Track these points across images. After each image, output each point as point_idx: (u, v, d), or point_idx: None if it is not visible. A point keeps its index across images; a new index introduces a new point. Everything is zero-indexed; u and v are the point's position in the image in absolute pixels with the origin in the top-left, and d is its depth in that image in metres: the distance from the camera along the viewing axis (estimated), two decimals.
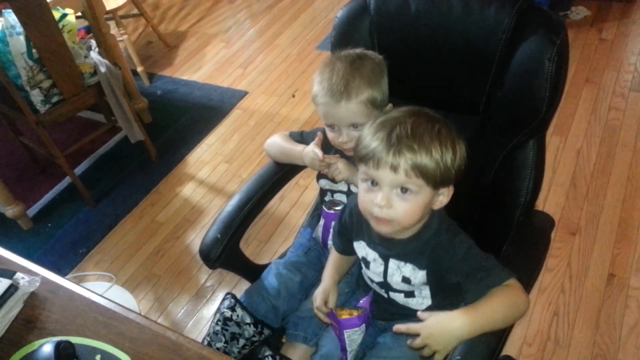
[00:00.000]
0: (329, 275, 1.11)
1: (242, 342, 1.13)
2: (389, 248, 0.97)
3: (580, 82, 2.42)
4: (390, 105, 1.12)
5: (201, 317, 1.83)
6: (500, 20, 0.98)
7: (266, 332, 1.14)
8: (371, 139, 0.86)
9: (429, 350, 0.87)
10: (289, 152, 1.23)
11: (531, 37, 0.95)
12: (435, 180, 0.86)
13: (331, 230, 1.18)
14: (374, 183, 0.88)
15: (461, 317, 0.85)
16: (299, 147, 1.21)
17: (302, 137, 1.27)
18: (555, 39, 0.92)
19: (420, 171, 0.84)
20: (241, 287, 1.88)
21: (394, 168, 0.84)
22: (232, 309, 1.14)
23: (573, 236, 1.81)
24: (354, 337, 1.03)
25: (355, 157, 0.91)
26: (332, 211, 1.18)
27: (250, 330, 1.13)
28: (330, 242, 1.20)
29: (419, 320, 1.02)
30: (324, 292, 1.07)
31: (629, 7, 2.84)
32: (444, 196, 0.91)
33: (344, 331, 1.01)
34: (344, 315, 1.03)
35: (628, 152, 2.06)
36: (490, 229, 0.99)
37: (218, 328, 1.13)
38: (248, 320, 1.13)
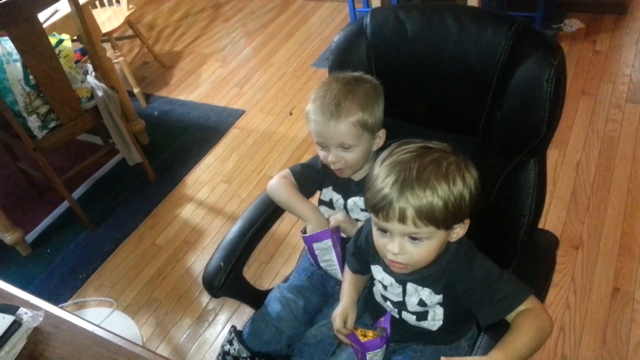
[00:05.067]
0: (347, 294, 1.09)
1: None
2: (405, 274, 0.96)
3: (577, 94, 2.43)
4: (383, 130, 1.12)
5: (204, 342, 1.81)
6: (497, 43, 0.98)
7: None
8: (380, 184, 0.84)
9: None
10: (294, 211, 1.20)
11: (528, 59, 0.95)
12: (446, 223, 0.85)
13: (317, 252, 1.17)
14: (385, 230, 0.88)
15: (502, 358, 0.84)
16: (302, 211, 1.18)
17: (305, 174, 1.23)
18: (553, 61, 0.93)
19: (428, 220, 0.83)
20: (243, 310, 1.87)
21: (402, 219, 0.83)
22: (231, 342, 1.14)
23: (576, 250, 1.81)
24: (375, 358, 1.02)
25: (366, 204, 0.91)
26: (307, 234, 1.15)
27: None
28: (322, 264, 1.19)
29: (432, 342, 1.02)
30: (342, 313, 1.05)
31: (621, 19, 2.86)
32: (461, 228, 0.90)
33: (367, 353, 1.00)
34: (361, 334, 1.01)
35: (627, 164, 2.07)
36: (494, 249, 0.98)
37: None
38: (244, 354, 1.12)
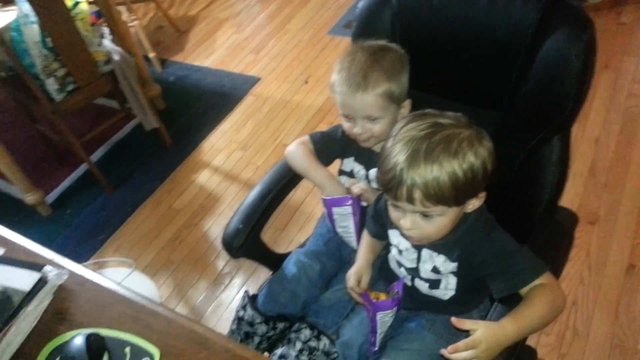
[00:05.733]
0: (362, 255, 1.11)
1: (256, 339, 1.16)
2: None
3: (599, 68, 2.35)
4: (408, 100, 1.11)
5: (220, 304, 1.86)
6: (526, 14, 0.96)
7: (280, 325, 1.16)
8: (389, 164, 0.84)
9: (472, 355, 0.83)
10: (309, 176, 1.20)
11: (558, 32, 0.93)
12: (457, 200, 0.85)
13: (335, 217, 1.18)
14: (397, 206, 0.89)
15: (511, 326, 0.85)
16: (317, 177, 1.18)
17: (323, 142, 1.22)
18: (583, 35, 0.90)
19: (437, 200, 0.83)
20: (258, 275, 1.91)
21: (410, 200, 0.84)
22: (245, 308, 1.17)
23: (592, 226, 1.80)
24: (385, 319, 1.04)
25: (377, 182, 0.92)
26: (329, 197, 1.16)
27: (262, 328, 1.15)
28: (339, 230, 1.21)
29: (444, 311, 1.04)
30: (357, 272, 1.07)
31: None
32: (477, 200, 0.90)
33: (377, 313, 1.02)
34: (374, 297, 1.04)
35: None
36: (512, 225, 0.98)
37: (234, 327, 1.18)
38: (258, 320, 1.15)
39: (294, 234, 2.02)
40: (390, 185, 0.85)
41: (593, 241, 1.76)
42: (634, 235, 1.76)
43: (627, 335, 1.52)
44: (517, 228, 0.99)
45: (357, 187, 1.15)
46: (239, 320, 1.17)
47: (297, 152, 1.21)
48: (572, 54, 0.91)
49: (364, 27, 1.15)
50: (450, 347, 0.83)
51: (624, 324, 1.55)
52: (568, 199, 1.89)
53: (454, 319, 0.84)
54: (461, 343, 0.83)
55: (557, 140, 1.01)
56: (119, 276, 1.86)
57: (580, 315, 1.59)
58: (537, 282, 0.90)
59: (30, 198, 2.22)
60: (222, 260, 2.00)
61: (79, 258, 2.04)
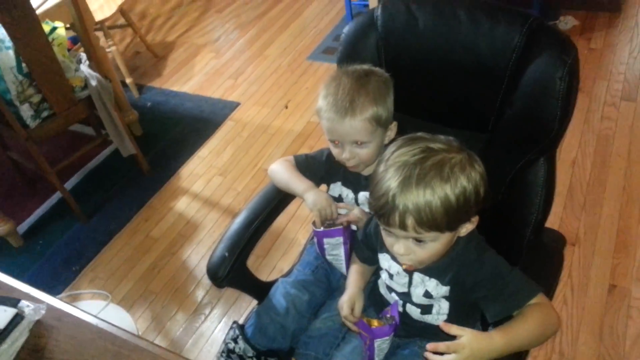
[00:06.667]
0: (353, 282, 1.09)
1: None
2: None
3: None
4: (394, 123, 1.11)
5: (200, 335, 1.80)
6: (510, 39, 0.98)
7: None
8: (381, 191, 0.84)
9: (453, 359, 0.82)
10: (291, 188, 1.19)
11: (542, 56, 0.95)
12: (449, 226, 0.85)
13: (326, 246, 1.16)
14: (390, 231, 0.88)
15: (500, 339, 0.85)
16: (301, 186, 1.17)
17: (307, 164, 1.22)
18: (567, 59, 0.92)
19: (429, 226, 0.83)
20: (240, 304, 1.86)
21: (403, 227, 0.83)
22: (236, 340, 1.13)
23: (572, 247, 1.82)
24: (383, 346, 1.02)
25: (370, 208, 0.91)
26: (319, 229, 1.14)
27: None
28: (329, 257, 1.19)
29: (437, 337, 1.02)
30: (349, 300, 1.05)
31: (615, 17, 2.88)
32: (470, 224, 0.90)
33: (375, 340, 0.99)
34: (369, 324, 1.01)
35: (622, 161, 2.09)
36: (501, 248, 0.98)
37: (222, 359, 1.12)
38: (250, 354, 1.11)
39: (276, 261, 1.98)
40: (382, 212, 0.84)
41: (574, 262, 1.78)
42: (613, 255, 1.78)
43: (613, 356, 1.53)
44: (505, 249, 0.98)
45: (353, 214, 1.13)
46: (228, 352, 1.13)
47: (280, 167, 1.21)
48: (556, 76, 0.93)
49: (349, 52, 1.16)
50: (430, 345, 0.82)
51: (608, 345, 1.55)
52: (548, 221, 1.89)
53: (442, 323, 0.84)
54: (442, 344, 0.82)
55: (543, 161, 1.03)
56: (94, 309, 1.80)
57: (566, 338, 1.59)
58: (531, 302, 0.89)
59: (0, 229, 2.14)
60: (202, 290, 1.94)
61: (52, 291, 1.98)
